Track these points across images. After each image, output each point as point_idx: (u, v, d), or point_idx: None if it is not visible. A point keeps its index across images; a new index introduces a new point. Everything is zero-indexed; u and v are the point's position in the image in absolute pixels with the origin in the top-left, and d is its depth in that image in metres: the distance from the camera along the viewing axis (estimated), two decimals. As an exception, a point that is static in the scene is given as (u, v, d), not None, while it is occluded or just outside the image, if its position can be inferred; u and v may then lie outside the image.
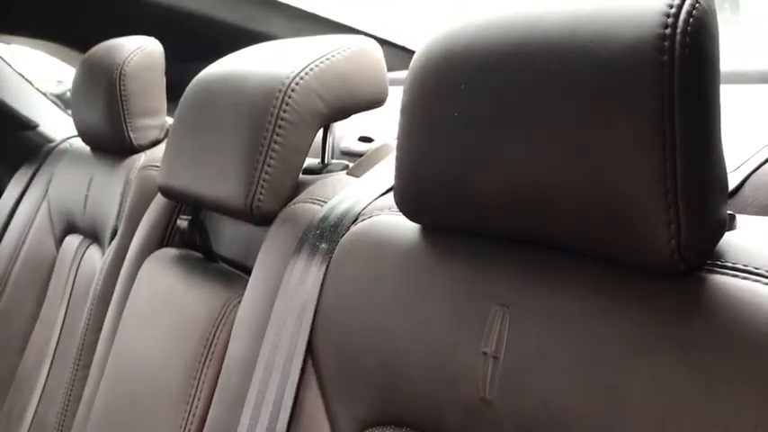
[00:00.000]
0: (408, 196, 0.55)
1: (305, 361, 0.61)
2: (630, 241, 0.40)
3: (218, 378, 0.71)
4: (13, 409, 1.13)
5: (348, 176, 0.77)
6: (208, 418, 0.69)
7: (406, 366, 0.53)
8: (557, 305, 0.45)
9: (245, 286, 0.72)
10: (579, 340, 0.43)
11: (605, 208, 0.41)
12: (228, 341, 0.72)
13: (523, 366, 0.45)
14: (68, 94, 1.61)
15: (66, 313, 1.12)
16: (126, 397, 0.83)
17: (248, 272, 0.74)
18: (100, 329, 0.97)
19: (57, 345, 1.10)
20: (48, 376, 1.09)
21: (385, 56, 0.78)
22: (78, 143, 1.31)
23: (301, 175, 0.77)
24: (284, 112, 0.70)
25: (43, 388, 1.08)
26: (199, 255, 0.90)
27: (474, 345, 0.48)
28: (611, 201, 0.40)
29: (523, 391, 0.44)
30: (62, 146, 1.43)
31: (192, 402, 0.73)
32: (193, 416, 0.73)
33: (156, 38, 1.14)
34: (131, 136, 1.09)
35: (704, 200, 0.39)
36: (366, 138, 0.96)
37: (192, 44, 1.27)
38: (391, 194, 0.59)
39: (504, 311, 0.47)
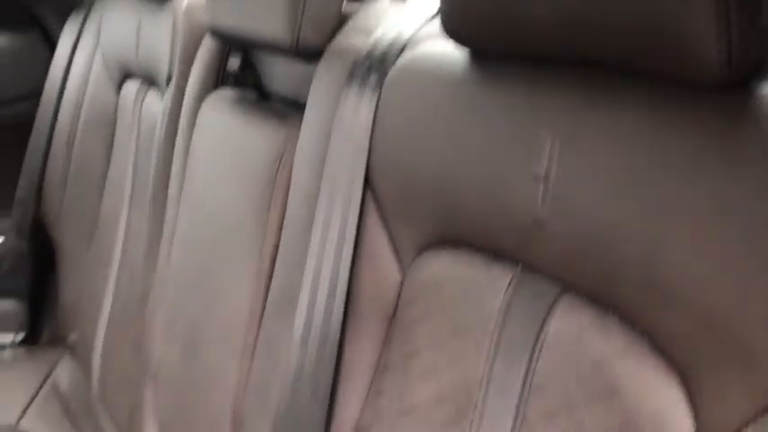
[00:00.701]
0: (455, 18, 0.54)
1: (364, 191, 0.64)
2: (680, 54, 0.39)
3: (285, 213, 0.75)
4: (101, 250, 1.23)
5: (392, 2, 0.75)
6: (279, 249, 0.73)
7: (461, 192, 0.55)
8: (606, 125, 0.45)
9: (301, 123, 0.74)
10: (628, 159, 0.43)
11: (654, 20, 0.39)
12: (290, 177, 0.75)
13: (574, 186, 0.46)
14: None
15: (135, 157, 1.17)
16: (202, 235, 0.89)
17: (302, 108, 0.75)
18: (169, 172, 1.02)
19: (132, 189, 1.17)
20: (128, 219, 1.16)
21: None
22: (122, -14, 1.30)
23: (345, 4, 0.76)
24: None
25: (125, 230, 1.16)
26: (253, 94, 0.91)
27: (526, 168, 0.49)
28: (660, 12, 0.39)
29: (573, 211, 0.46)
30: (106, -9, 1.42)
31: (264, 237, 0.78)
32: (266, 249, 0.78)
33: None
34: (172, -24, 1.07)
35: (758, 9, 0.38)
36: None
37: None
38: (437, 19, 0.58)
39: (555, 134, 0.48)
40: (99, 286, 1.20)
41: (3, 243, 1.47)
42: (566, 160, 0.47)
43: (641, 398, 0.42)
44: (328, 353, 0.65)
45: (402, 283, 0.62)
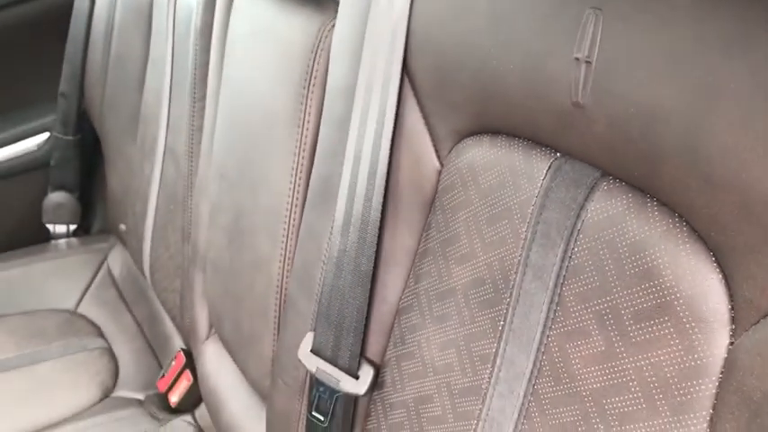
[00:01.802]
0: None
1: (402, 78, 0.63)
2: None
3: (323, 100, 0.75)
4: (145, 142, 1.25)
5: None
6: (319, 138, 0.74)
7: (500, 77, 0.54)
8: (650, 4, 0.43)
9: (336, 10, 0.73)
10: (672, 39, 0.42)
11: None
12: (327, 65, 0.74)
13: (615, 68, 0.45)
14: None
15: (173, 49, 1.17)
16: (242, 126, 0.90)
17: (338, -6, 0.74)
18: (207, 63, 1.02)
19: (171, 80, 1.17)
20: (169, 110, 1.17)
21: None
22: None
23: None
24: None
25: (167, 121, 1.18)
26: (288, -20, 0.89)
27: (566, 50, 0.48)
28: None
29: (615, 93, 0.45)
30: None
31: (303, 126, 0.78)
32: (305, 138, 0.78)
33: None
34: None
35: None
36: None
37: None
38: None
39: (597, 14, 0.46)
40: (145, 177, 1.23)
41: (50, 138, 1.51)
42: (608, 41, 0.45)
43: (678, 280, 0.42)
44: (369, 239, 0.66)
45: (441, 171, 0.62)
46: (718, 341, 0.41)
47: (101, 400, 1.14)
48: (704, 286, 0.42)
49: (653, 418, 0.44)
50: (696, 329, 0.42)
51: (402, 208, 0.66)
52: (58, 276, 1.41)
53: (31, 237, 1.51)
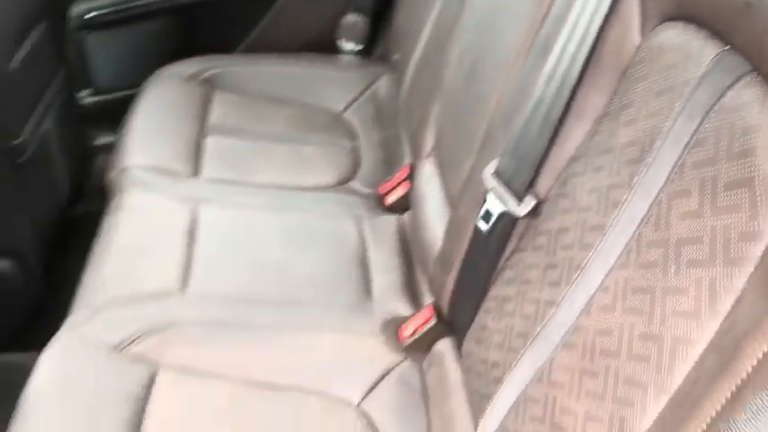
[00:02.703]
0: None
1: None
2: None
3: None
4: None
5: None
6: (554, 3, 0.86)
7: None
8: None
9: None
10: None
11: None
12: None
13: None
14: None
15: None
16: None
17: None
18: None
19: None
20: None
21: None
22: None
23: None
24: None
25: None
26: None
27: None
28: None
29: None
30: None
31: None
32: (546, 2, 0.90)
33: None
34: None
35: None
36: None
37: None
38: None
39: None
40: (425, 13, 1.42)
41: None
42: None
43: (764, 160, 0.51)
44: (564, 94, 0.79)
45: (638, 46, 0.72)
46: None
47: (339, 184, 1.42)
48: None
49: (710, 267, 0.54)
50: (763, 201, 0.51)
51: (599, 73, 0.77)
52: (334, 83, 1.70)
53: (323, 47, 1.81)
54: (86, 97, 1.77)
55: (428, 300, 1.12)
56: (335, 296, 1.14)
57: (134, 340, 0.99)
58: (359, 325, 1.08)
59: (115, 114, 1.58)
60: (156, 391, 0.94)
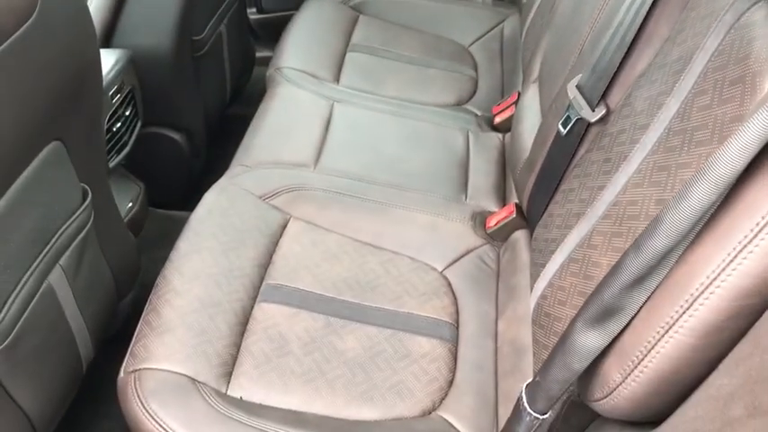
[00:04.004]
0: None
1: None
2: None
3: None
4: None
5: None
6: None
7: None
8: None
9: None
10: None
11: None
12: None
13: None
14: None
15: None
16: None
17: None
18: None
19: None
20: None
21: None
22: None
23: None
24: None
25: None
26: None
27: None
28: None
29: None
30: None
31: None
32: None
33: None
34: None
35: None
36: None
37: None
38: None
39: None
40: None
41: None
42: None
43: (761, 63, 0.67)
44: (638, 21, 0.96)
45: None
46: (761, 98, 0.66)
47: (456, 104, 1.63)
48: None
49: (709, 145, 0.71)
50: (748, 92, 0.67)
51: (667, 4, 0.93)
52: (465, 20, 1.90)
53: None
54: (254, 14, 2.07)
55: (513, 201, 1.32)
56: (436, 187, 1.36)
57: (274, 194, 1.26)
58: (452, 212, 1.30)
59: (275, 32, 1.85)
60: (286, 233, 1.20)
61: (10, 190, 0.94)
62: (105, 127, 1.36)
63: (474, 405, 1.00)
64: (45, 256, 1.04)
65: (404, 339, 1.07)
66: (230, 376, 0.98)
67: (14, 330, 0.97)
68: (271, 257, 1.15)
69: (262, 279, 1.11)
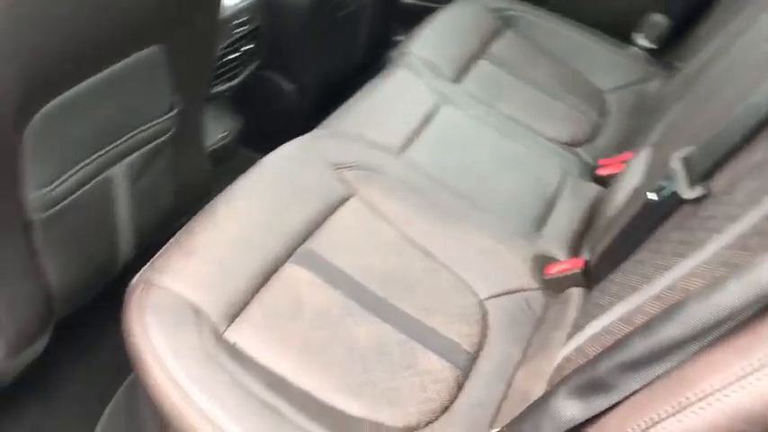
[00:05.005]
0: None
1: None
2: None
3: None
4: None
5: None
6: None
7: None
8: None
9: None
10: None
11: None
12: None
13: None
14: None
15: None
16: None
17: None
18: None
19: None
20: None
21: None
22: None
23: None
24: None
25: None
26: None
27: None
28: None
29: None
30: None
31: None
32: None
33: None
34: None
35: None
36: None
37: None
38: None
39: None
40: (714, 29, 1.47)
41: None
42: None
43: None
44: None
45: None
46: None
47: (567, 144, 1.56)
48: None
49: None
50: None
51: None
52: (611, 65, 1.81)
53: (618, 32, 1.90)
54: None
55: (584, 257, 1.24)
56: (511, 216, 1.30)
57: (348, 167, 1.24)
58: (517, 246, 1.23)
59: (416, 19, 1.83)
60: (343, 207, 1.18)
61: (99, 75, 0.97)
62: (219, 53, 1.39)
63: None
64: (113, 148, 1.07)
65: (415, 349, 1.03)
66: (234, 319, 0.97)
67: (62, 203, 1.00)
68: (319, 226, 1.13)
69: (302, 242, 1.10)
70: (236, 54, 1.42)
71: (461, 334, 1.07)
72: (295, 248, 1.09)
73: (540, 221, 1.32)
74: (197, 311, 0.95)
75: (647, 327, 0.53)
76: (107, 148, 1.05)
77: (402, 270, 1.13)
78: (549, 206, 1.35)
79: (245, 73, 1.49)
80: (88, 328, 1.20)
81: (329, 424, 0.91)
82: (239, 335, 0.96)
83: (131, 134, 1.09)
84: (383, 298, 1.07)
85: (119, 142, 1.07)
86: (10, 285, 0.99)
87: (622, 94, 1.75)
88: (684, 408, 0.49)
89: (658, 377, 0.53)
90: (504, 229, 1.26)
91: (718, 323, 0.49)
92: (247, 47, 1.44)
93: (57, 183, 0.98)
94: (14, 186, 0.93)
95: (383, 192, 1.23)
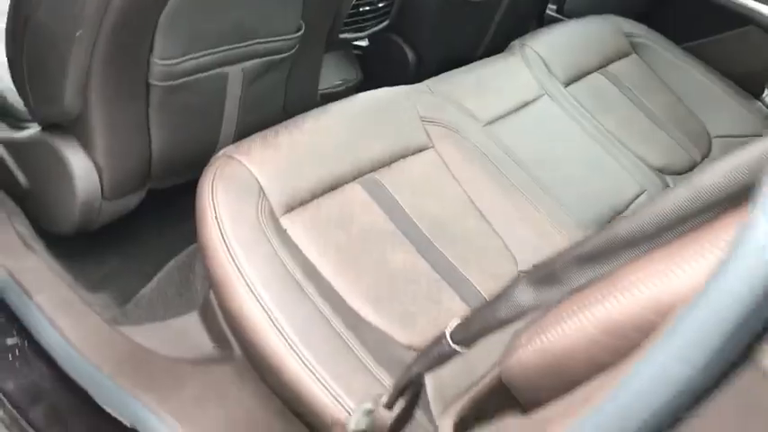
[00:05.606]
0: None
1: None
2: None
3: None
4: None
5: None
6: None
7: None
8: None
9: None
10: None
11: None
12: None
13: None
14: None
15: None
16: None
17: None
18: None
19: None
20: None
21: None
22: None
23: None
24: None
25: None
26: None
27: None
28: None
29: None
30: None
31: None
32: None
33: None
34: None
35: None
36: None
37: None
38: None
39: None
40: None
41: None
42: None
43: None
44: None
45: None
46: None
47: (656, 169, 1.57)
48: None
49: None
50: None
51: None
52: (731, 112, 1.80)
53: (752, 83, 1.88)
54: (552, 11, 2.14)
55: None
56: (577, 209, 1.34)
57: (434, 122, 1.33)
58: (571, 236, 1.28)
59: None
60: (419, 156, 1.27)
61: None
62: (353, 2, 1.52)
63: (455, 368, 1.01)
64: (234, 49, 1.21)
65: (443, 289, 1.10)
66: (291, 211, 1.09)
67: (181, 79, 1.16)
68: (392, 162, 1.23)
69: (370, 171, 1.20)
70: (369, 8, 1.54)
71: (490, 292, 1.13)
72: (363, 174, 1.19)
73: (602, 224, 1.36)
74: (261, 192, 1.07)
75: (607, 227, 0.59)
76: (228, 47, 1.20)
77: (454, 222, 1.21)
78: (615, 213, 1.39)
79: (373, 29, 1.62)
80: (175, 205, 1.35)
81: (344, 318, 1.01)
82: (292, 224, 1.08)
83: (254, 43, 1.23)
84: (428, 237, 1.16)
85: (240, 45, 1.22)
86: (125, 136, 1.16)
87: (730, 143, 1.74)
88: (609, 294, 0.54)
89: (602, 275, 0.58)
90: (564, 218, 1.31)
91: (665, 225, 0.54)
92: (381, 3, 1.56)
93: (179, 60, 1.13)
94: (149, 52, 1.09)
95: (460, 153, 1.31)
